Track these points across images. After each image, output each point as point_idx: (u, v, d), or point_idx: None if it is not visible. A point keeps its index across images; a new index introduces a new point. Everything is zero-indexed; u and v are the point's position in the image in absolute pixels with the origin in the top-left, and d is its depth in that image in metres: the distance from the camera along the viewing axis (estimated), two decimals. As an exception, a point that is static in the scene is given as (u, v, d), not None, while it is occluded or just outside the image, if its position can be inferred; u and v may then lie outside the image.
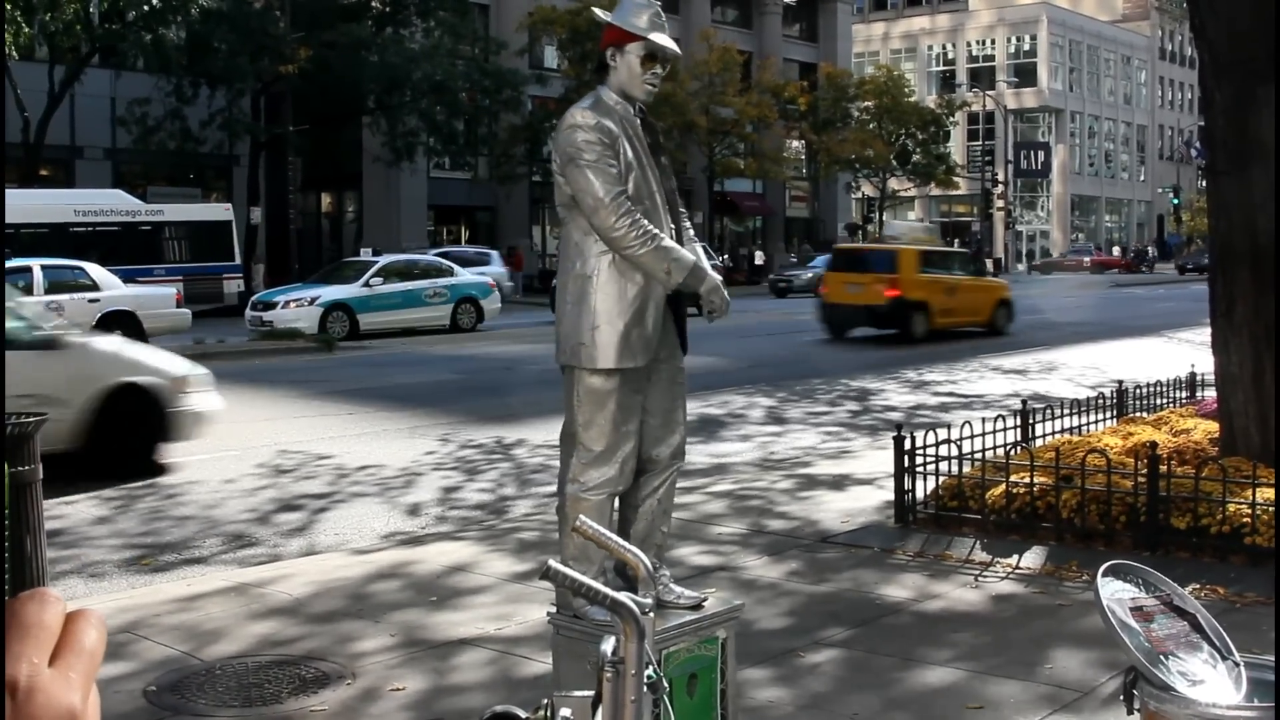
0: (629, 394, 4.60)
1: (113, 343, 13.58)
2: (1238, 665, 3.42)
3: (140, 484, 11.37)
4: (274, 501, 10.72)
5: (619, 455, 4.60)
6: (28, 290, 23.63)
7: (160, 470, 12.02)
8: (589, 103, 4.64)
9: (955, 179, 72.27)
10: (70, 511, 10.17)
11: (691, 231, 4.93)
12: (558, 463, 12.17)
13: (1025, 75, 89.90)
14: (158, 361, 12.65)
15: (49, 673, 0.78)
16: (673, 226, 4.72)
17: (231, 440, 13.75)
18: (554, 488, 11.02)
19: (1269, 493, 7.61)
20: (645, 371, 4.65)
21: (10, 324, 11.30)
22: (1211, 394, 10.41)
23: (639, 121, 4.68)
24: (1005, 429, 9.84)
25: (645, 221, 4.50)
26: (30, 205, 30.52)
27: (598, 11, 4.96)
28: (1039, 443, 10.09)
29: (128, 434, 11.83)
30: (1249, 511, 7.66)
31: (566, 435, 4.76)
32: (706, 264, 4.69)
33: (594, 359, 4.56)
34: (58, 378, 11.18)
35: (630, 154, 4.56)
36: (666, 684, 2.23)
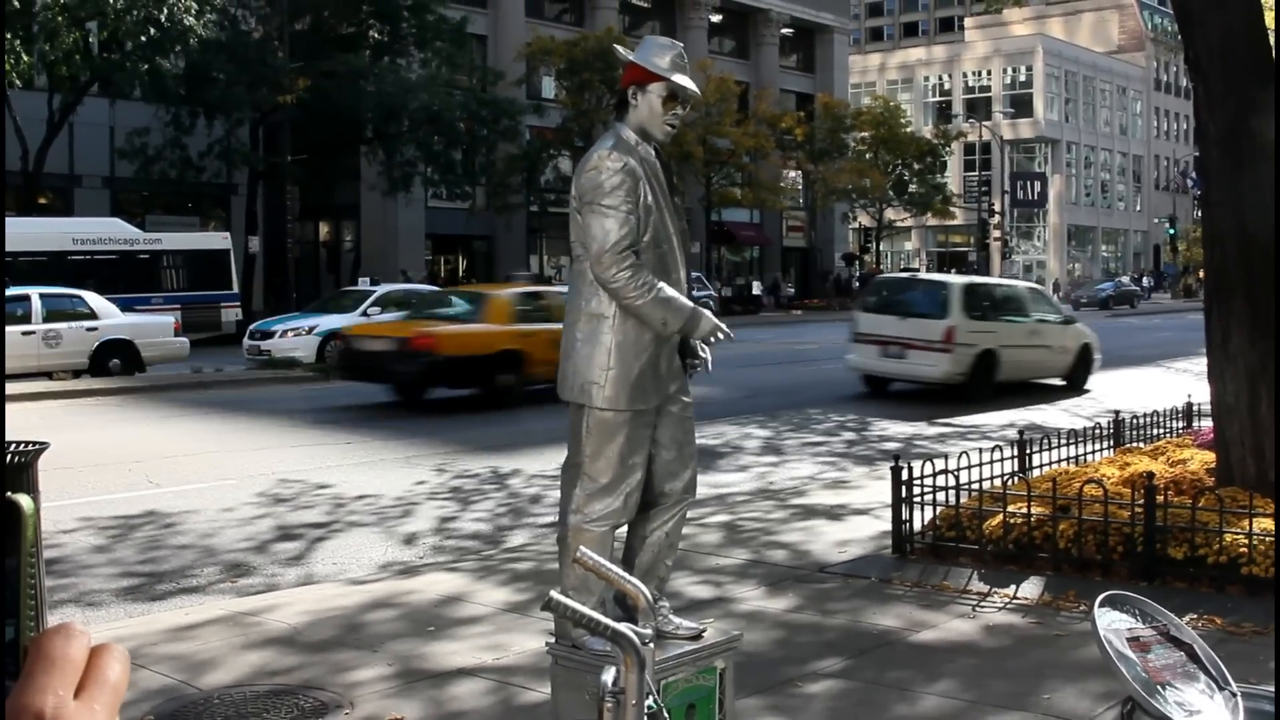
0: (639, 428, 4.62)
1: (1081, 322, 24.09)
2: (1234, 696, 3.42)
3: (139, 511, 11.37)
4: (271, 530, 10.72)
5: (624, 488, 4.61)
6: (25, 319, 23.66)
7: (1085, 392, 21.72)
8: (610, 143, 4.63)
9: (952, 209, 72.42)
10: (68, 541, 10.16)
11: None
12: (553, 493, 12.17)
13: (1021, 106, 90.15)
14: (1090, 330, 23.30)
15: (74, 705, 0.80)
16: (685, 268, 4.76)
17: (229, 469, 13.75)
18: (550, 518, 11.05)
19: (1266, 523, 7.63)
20: (656, 406, 4.67)
21: (1048, 313, 22.89)
22: (1208, 424, 10.42)
23: (657, 163, 4.71)
24: (1002, 459, 9.84)
25: (645, 271, 4.52)
26: (29, 233, 30.56)
27: (619, 49, 4.98)
28: (1036, 473, 10.11)
29: (1084, 371, 22.55)
30: (1246, 541, 7.67)
31: (570, 465, 4.75)
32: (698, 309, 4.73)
33: (606, 399, 4.57)
34: (1068, 338, 22.40)
35: (650, 196, 4.58)
36: (666, 714, 2.24)
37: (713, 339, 4.67)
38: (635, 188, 4.54)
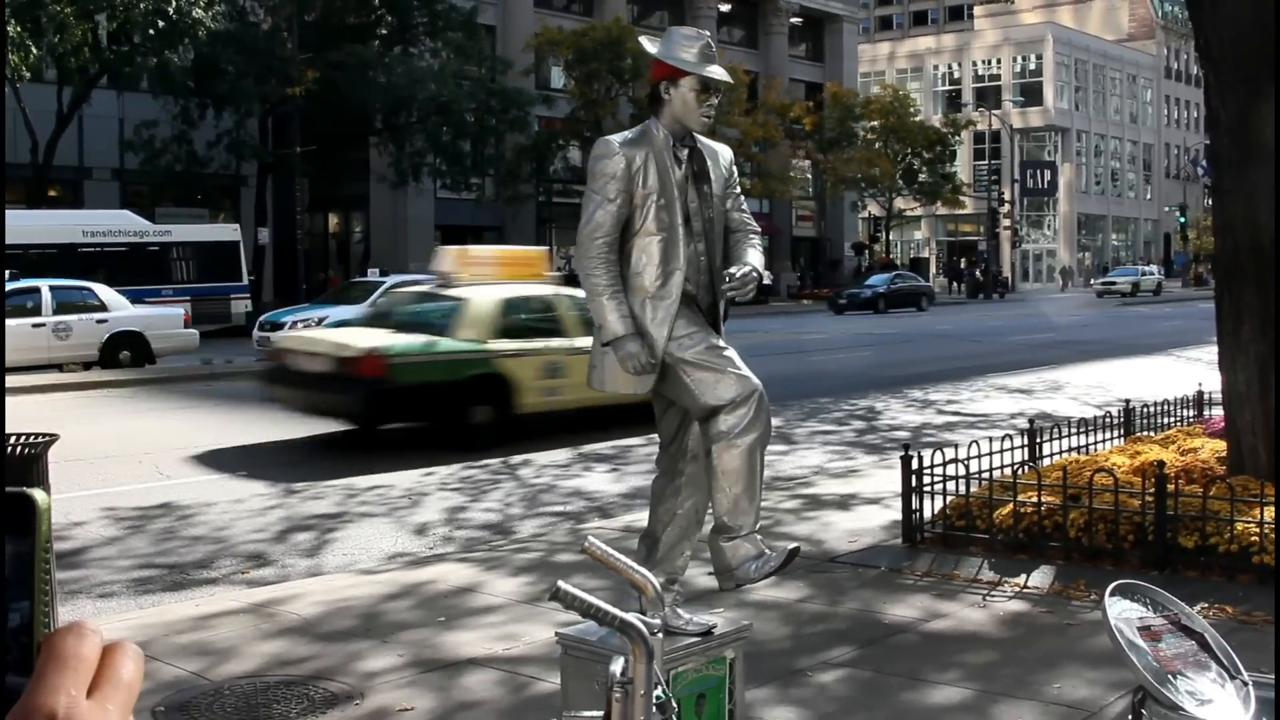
0: (698, 329, 4.65)
1: None
2: (1246, 685, 3.41)
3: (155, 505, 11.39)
4: (283, 522, 10.74)
5: (745, 389, 4.59)
6: (35, 311, 23.71)
7: None
8: (629, 134, 4.76)
9: (961, 198, 72.27)
10: (80, 533, 10.19)
11: (755, 241, 4.93)
12: (564, 483, 12.18)
13: (1031, 94, 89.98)
14: None
15: (87, 704, 0.79)
16: (704, 259, 4.74)
17: (240, 461, 13.76)
18: (559, 507, 11.08)
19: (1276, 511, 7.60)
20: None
21: None
22: (1219, 413, 10.40)
23: (687, 150, 4.73)
24: (1012, 448, 9.82)
25: (613, 272, 4.61)
26: (38, 226, 30.61)
27: (645, 43, 4.99)
28: (1046, 462, 10.09)
29: None
30: (1257, 530, 7.65)
31: (704, 414, 4.66)
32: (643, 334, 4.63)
33: (602, 381, 4.68)
34: None
35: (654, 183, 4.62)
36: (675, 704, 2.24)
37: (623, 364, 4.62)
38: (628, 177, 4.59)
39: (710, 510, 4.73)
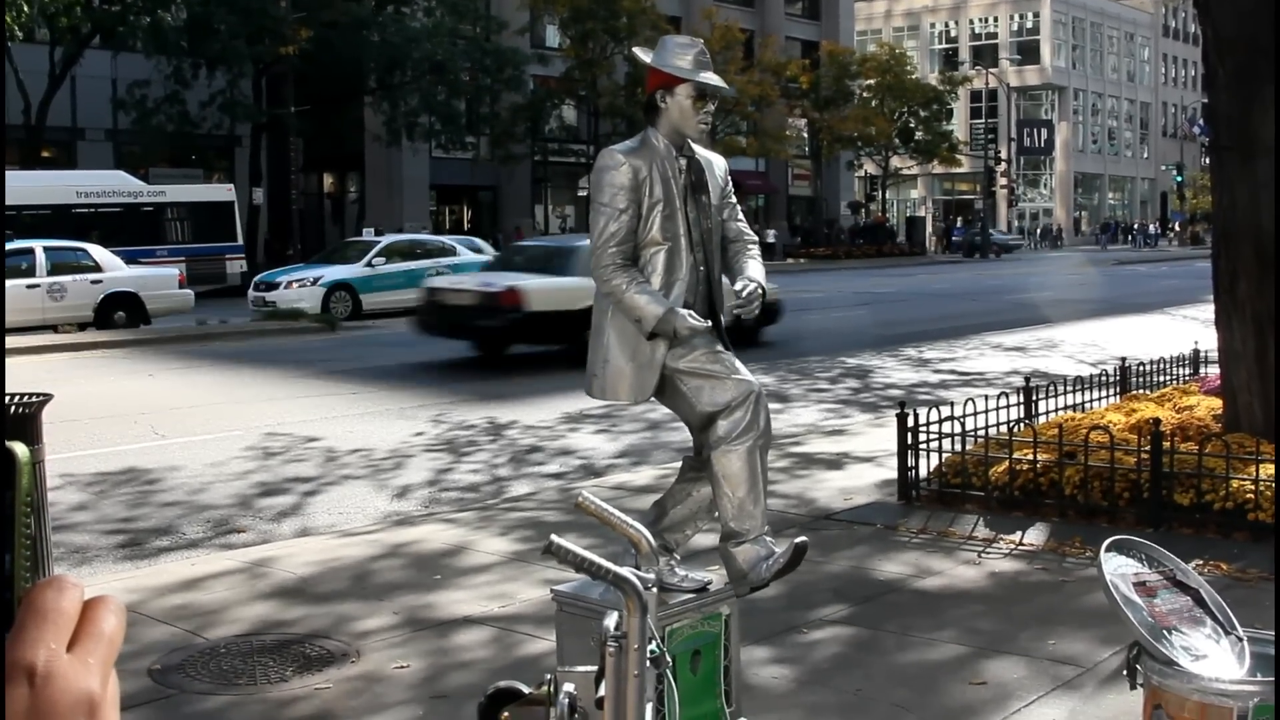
0: (703, 339, 4.61)
1: None
2: (1240, 640, 3.42)
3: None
4: (273, 481, 10.73)
5: (741, 392, 4.57)
6: (29, 272, 23.64)
7: None
8: (630, 143, 4.72)
9: (958, 157, 72.10)
10: (74, 494, 10.18)
11: (754, 251, 4.89)
12: (551, 443, 12.19)
13: (1028, 52, 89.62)
14: None
15: (67, 658, 0.78)
16: (703, 269, 4.71)
17: (236, 420, 13.76)
18: (550, 468, 11.09)
19: (1272, 469, 7.61)
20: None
21: None
22: (1215, 370, 10.40)
23: (685, 161, 4.70)
24: (1008, 406, 9.81)
25: (630, 270, 4.56)
26: (32, 187, 30.49)
27: (639, 54, 4.95)
28: (1041, 420, 10.10)
29: None
30: (1252, 487, 7.66)
31: (702, 421, 4.66)
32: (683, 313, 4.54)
33: (603, 391, 4.65)
34: None
35: (660, 192, 4.60)
36: (669, 659, 2.23)
37: (692, 329, 4.57)
38: (635, 186, 4.56)
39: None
